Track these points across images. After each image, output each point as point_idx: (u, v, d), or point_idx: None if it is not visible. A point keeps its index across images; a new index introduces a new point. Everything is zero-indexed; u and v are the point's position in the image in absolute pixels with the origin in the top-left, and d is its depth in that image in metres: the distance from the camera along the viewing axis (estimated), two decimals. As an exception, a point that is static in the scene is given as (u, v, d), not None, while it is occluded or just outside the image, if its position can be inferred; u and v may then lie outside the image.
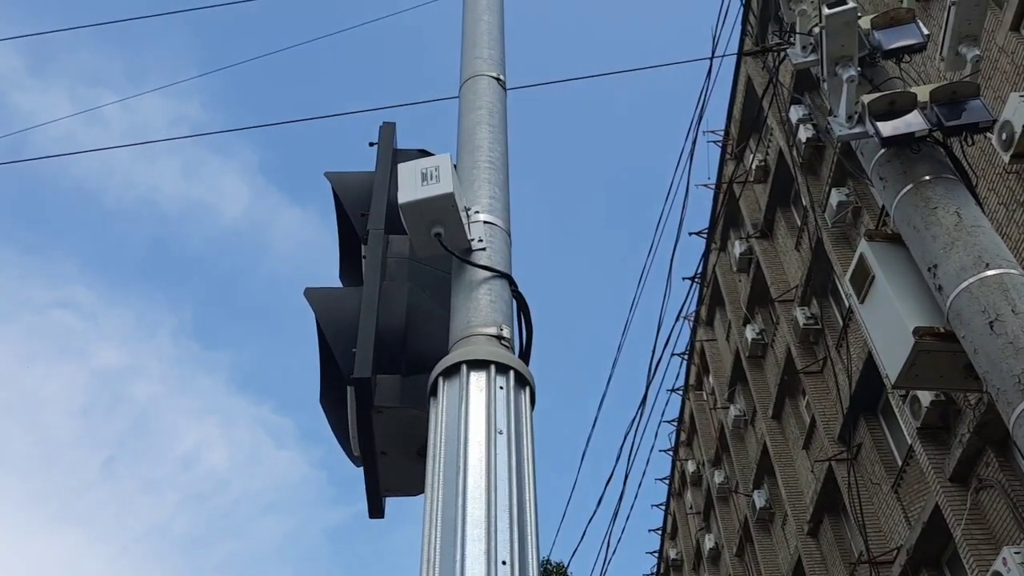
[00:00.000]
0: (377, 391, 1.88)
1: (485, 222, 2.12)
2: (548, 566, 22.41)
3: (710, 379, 28.18)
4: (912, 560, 14.67)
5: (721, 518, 26.99)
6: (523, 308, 2.00)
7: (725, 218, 24.99)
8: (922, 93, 4.03)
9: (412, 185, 1.98)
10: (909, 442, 14.82)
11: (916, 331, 3.72)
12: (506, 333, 1.82)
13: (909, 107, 3.99)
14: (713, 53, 8.44)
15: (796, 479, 20.67)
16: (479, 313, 1.88)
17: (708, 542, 28.40)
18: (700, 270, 26.47)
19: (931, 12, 12.97)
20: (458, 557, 1.31)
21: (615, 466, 14.82)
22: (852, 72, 4.13)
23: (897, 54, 4.34)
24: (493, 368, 1.69)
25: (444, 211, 2.00)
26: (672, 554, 34.85)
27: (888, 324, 3.96)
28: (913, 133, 3.94)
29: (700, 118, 8.79)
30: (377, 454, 1.90)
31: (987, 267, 3.52)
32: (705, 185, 26.06)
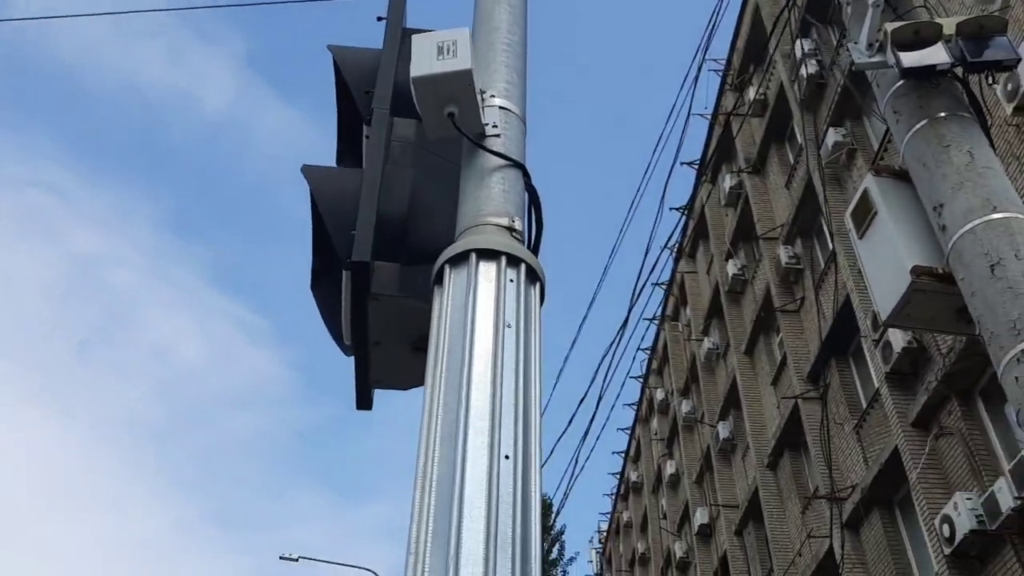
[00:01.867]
0: (374, 278, 1.78)
1: (500, 107, 1.98)
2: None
3: (687, 311, 28.40)
4: (865, 499, 15.12)
5: (684, 446, 27.63)
6: (535, 202, 1.90)
7: (719, 151, 24.75)
8: (948, 26, 3.87)
9: (427, 58, 1.84)
10: (876, 386, 15.08)
11: (914, 270, 3.67)
12: (518, 225, 1.72)
13: (933, 39, 3.85)
14: (728, -27, 8.15)
15: (761, 414, 21.08)
16: (491, 202, 1.77)
17: (669, 468, 29.12)
18: (689, 201, 26.35)
19: (952, -48, 12.59)
20: (459, 449, 1.25)
21: (588, 388, 14.92)
22: (878, -3, 3.96)
23: (925, -18, 4.16)
24: (504, 259, 1.60)
25: (460, 89, 1.85)
26: (633, 476, 35.79)
27: (885, 262, 3.90)
28: (935, 66, 3.80)
29: (707, 46, 8.54)
30: (370, 343, 1.82)
31: (994, 210, 3.45)
32: (701, 115, 25.69)
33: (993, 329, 3.22)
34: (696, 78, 7.89)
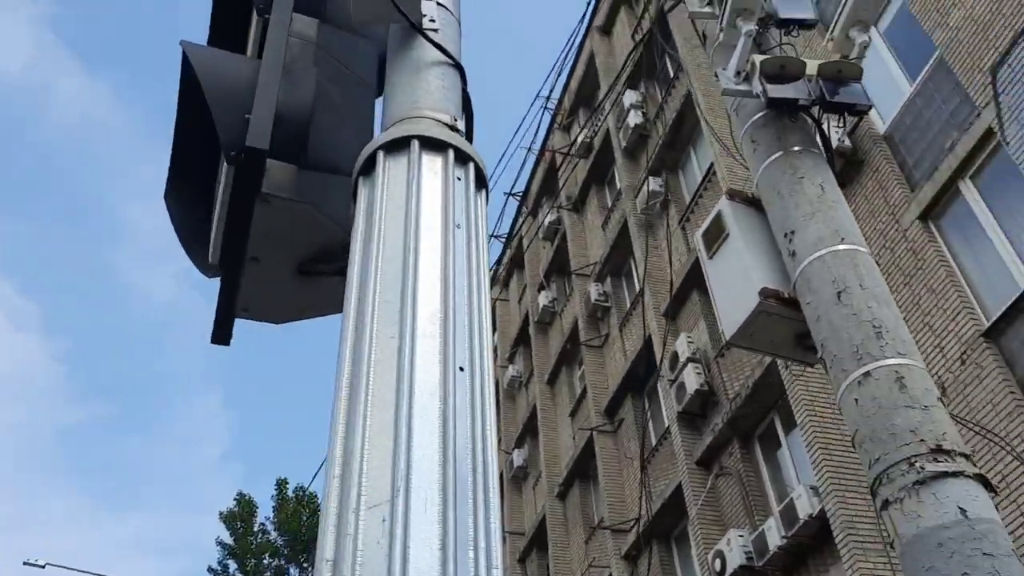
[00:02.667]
0: (265, 177, 1.47)
1: (439, 4, 1.72)
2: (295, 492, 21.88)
3: (495, 337, 28.73)
4: (646, 532, 15.76)
5: (477, 472, 27.74)
6: (468, 111, 1.66)
7: (542, 185, 25.41)
8: (811, 66, 4.06)
9: None
10: (667, 424, 15.84)
11: (762, 292, 3.76)
12: (460, 127, 1.47)
13: (798, 75, 4.01)
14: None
15: (557, 444, 21.57)
16: (430, 95, 1.49)
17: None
18: (509, 231, 26.78)
19: None
20: (406, 356, 0.99)
21: None
22: (752, 27, 4.09)
23: (788, 24, 4.35)
24: (451, 153, 1.34)
25: None
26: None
27: (734, 283, 3.98)
28: (797, 100, 3.96)
29: (553, 88, 8.65)
30: (246, 259, 1.49)
31: (842, 241, 3.60)
32: (529, 149, 26.31)
33: (837, 352, 3.33)
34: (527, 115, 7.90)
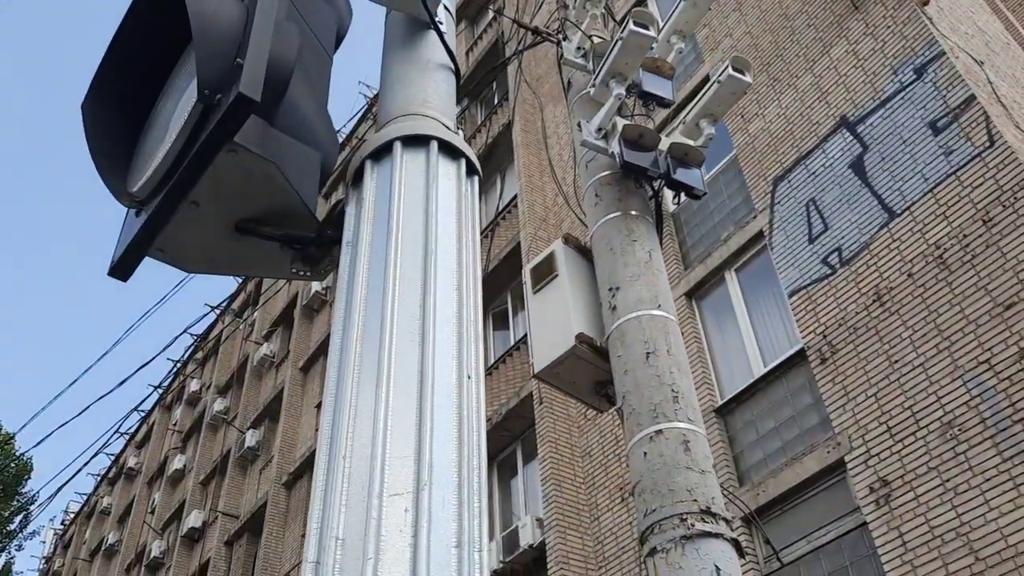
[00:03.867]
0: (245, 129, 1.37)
1: (444, 6, 1.69)
2: None
3: (255, 310, 27.60)
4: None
5: (203, 444, 26.36)
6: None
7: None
8: (664, 142, 4.41)
9: None
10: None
11: (579, 336, 4.00)
12: (461, 137, 1.45)
13: (652, 146, 4.34)
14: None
15: (297, 432, 21.06)
16: (439, 98, 1.45)
17: (177, 462, 27.50)
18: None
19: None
20: (429, 358, 0.96)
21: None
22: (622, 91, 4.37)
23: (648, 98, 4.69)
24: (464, 163, 1.33)
25: None
26: (132, 462, 33.05)
27: (553, 321, 4.20)
28: (647, 170, 4.27)
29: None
30: (183, 199, 1.38)
31: (659, 307, 3.92)
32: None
33: (636, 407, 3.61)
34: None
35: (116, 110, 1.56)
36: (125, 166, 1.52)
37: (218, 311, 29.59)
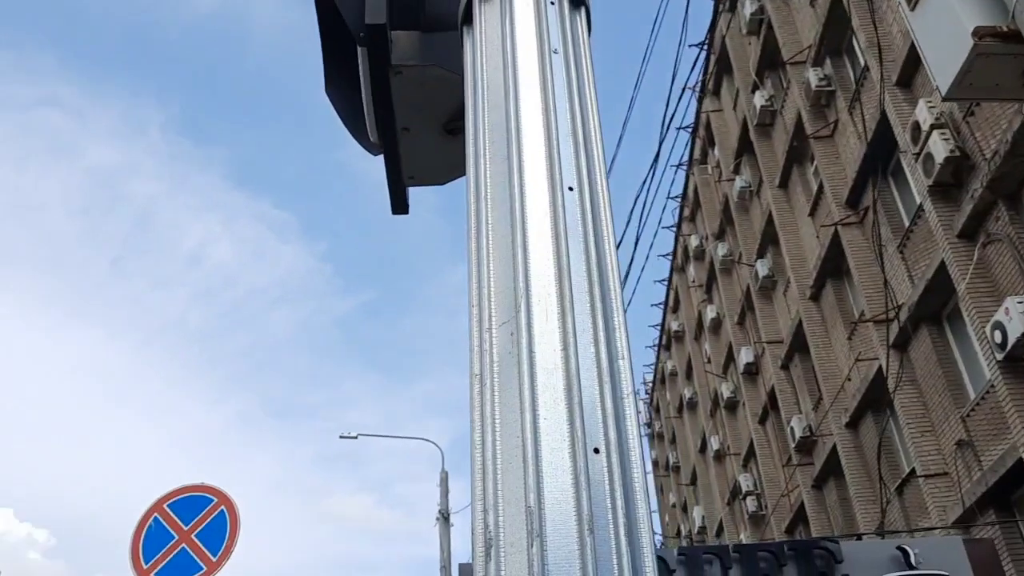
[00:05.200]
0: (393, 49, 1.58)
1: None
2: None
3: (715, 152, 27.76)
4: (913, 317, 15.03)
5: (723, 289, 27.63)
6: None
7: (735, -23, 23.46)
8: None
9: None
10: (919, 201, 14.70)
11: (976, 31, 3.35)
12: None
13: None
14: None
15: (800, 246, 20.84)
16: None
17: (710, 312, 29.27)
18: (707, 35, 25.29)
19: None
20: (516, 184, 1.07)
21: (621, 238, 14.59)
22: None
23: None
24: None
25: None
26: (674, 326, 36.14)
27: (942, 30, 3.57)
28: None
29: None
30: (398, 131, 1.63)
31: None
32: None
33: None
34: None
35: (343, 83, 1.84)
36: (364, 125, 1.80)
37: (684, 167, 30.45)
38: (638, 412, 0.98)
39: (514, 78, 1.19)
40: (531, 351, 0.93)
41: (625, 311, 1.05)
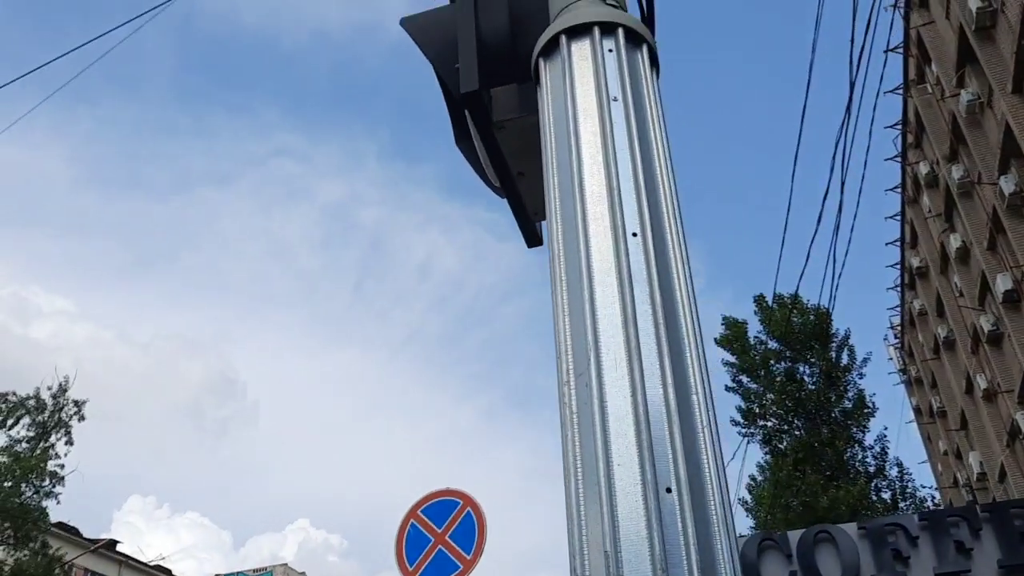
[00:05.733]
0: (496, 105, 1.69)
1: None
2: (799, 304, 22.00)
3: (933, 68, 25.29)
4: None
5: (965, 214, 25.13)
6: None
7: None
8: None
9: None
10: None
11: None
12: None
13: None
14: None
15: (1049, 153, 18.52)
16: None
17: (954, 242, 26.74)
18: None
19: None
20: (580, 230, 1.15)
21: (829, 179, 13.65)
22: None
23: None
24: (596, 30, 1.39)
25: None
26: (915, 262, 33.35)
27: None
28: None
29: None
30: (514, 176, 1.74)
31: None
32: None
33: None
34: None
35: (468, 137, 1.99)
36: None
37: (899, 92, 28.01)
38: (717, 443, 1.00)
39: (575, 131, 1.26)
40: (602, 400, 1.00)
41: (700, 343, 1.09)
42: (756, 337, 23.16)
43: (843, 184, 8.32)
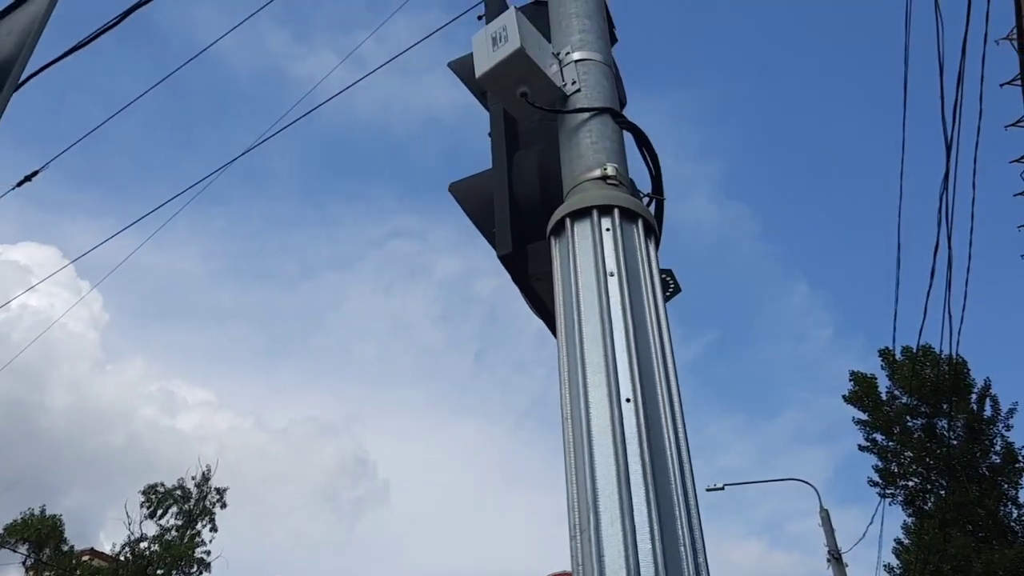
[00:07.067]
0: (531, 259, 1.90)
1: (577, 61, 1.94)
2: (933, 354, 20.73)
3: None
4: None
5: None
6: (638, 135, 1.88)
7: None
8: None
9: (485, 53, 1.87)
10: None
11: None
12: (611, 171, 1.71)
13: None
14: None
15: None
16: (581, 160, 1.79)
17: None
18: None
19: None
20: (581, 397, 1.33)
21: (943, 234, 12.84)
22: None
23: None
24: (595, 213, 1.60)
25: (520, 69, 1.87)
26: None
27: None
28: None
29: None
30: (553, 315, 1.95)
31: None
32: None
33: None
34: None
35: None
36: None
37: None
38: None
39: (578, 306, 1.46)
40: (600, 555, 1.16)
41: (692, 494, 1.24)
42: (888, 391, 22.10)
43: (950, 238, 8.08)
